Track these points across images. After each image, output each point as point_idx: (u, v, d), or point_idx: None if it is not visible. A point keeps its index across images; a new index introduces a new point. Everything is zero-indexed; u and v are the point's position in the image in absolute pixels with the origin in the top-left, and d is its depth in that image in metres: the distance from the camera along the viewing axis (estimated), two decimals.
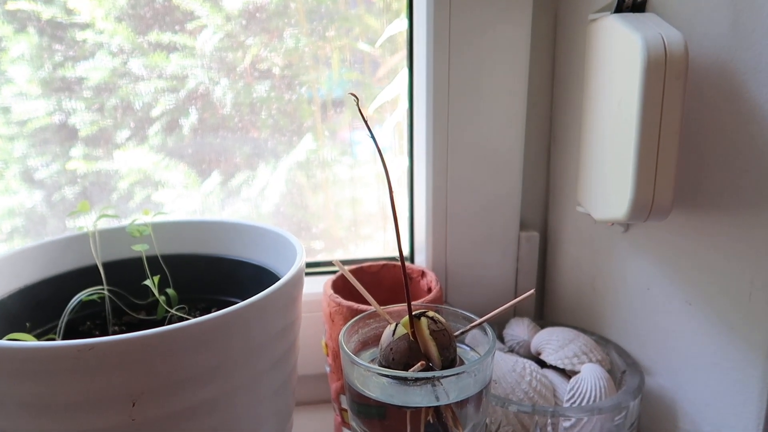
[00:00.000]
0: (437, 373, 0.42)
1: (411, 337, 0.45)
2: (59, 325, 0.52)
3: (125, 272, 0.57)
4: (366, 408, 0.45)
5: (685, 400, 0.54)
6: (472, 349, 0.49)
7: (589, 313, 0.65)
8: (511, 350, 0.62)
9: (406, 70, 0.69)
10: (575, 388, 0.52)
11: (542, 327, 0.63)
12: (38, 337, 0.51)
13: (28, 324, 0.51)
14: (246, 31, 0.73)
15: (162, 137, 0.73)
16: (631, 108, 0.43)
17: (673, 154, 0.42)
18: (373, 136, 0.46)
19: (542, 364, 0.59)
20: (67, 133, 0.72)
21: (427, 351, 0.45)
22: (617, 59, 0.46)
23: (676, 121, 0.42)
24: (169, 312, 0.55)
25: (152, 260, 0.58)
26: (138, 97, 0.72)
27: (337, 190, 0.79)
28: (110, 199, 0.74)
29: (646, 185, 0.42)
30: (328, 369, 0.60)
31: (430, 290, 0.60)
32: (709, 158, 0.47)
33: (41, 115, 0.71)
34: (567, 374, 0.57)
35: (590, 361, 0.56)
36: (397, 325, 0.46)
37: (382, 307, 0.50)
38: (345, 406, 0.59)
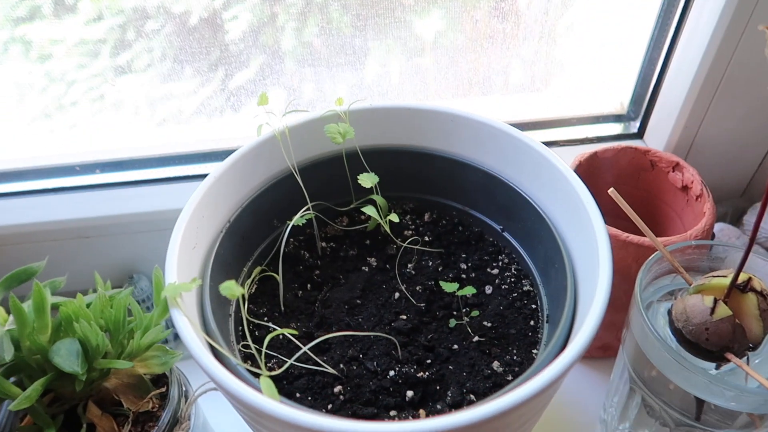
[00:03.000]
0: None
1: (735, 320, 0.37)
2: (279, 260, 0.44)
3: (319, 173, 0.47)
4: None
5: None
6: None
7: None
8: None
9: None
10: None
11: None
12: (251, 270, 0.44)
13: (244, 269, 0.43)
14: None
15: None
16: None
17: None
18: None
19: None
20: None
21: (747, 330, 0.38)
22: None
23: None
24: (380, 222, 0.46)
25: (351, 156, 0.46)
26: None
27: None
28: None
29: None
30: None
31: (686, 189, 0.49)
32: None
33: None
34: None
35: None
36: (716, 302, 0.37)
37: (663, 245, 0.41)
38: None
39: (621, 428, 0.48)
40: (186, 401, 0.44)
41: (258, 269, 0.45)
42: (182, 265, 0.36)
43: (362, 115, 0.46)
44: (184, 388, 0.45)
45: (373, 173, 0.44)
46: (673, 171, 0.50)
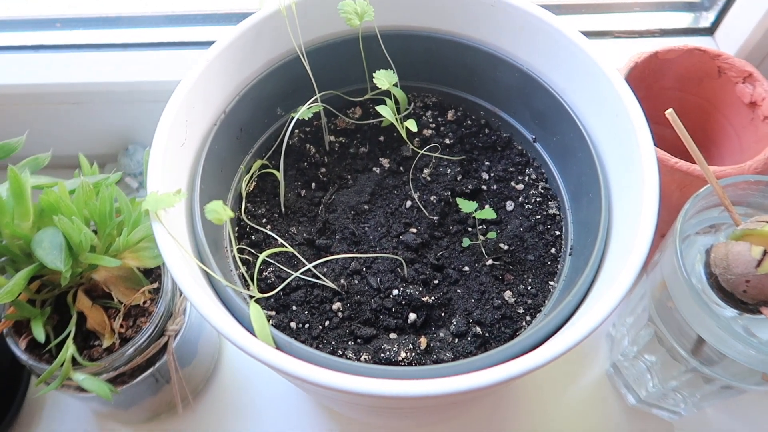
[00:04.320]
0: None
1: None
2: (281, 155, 0.40)
3: (330, 57, 0.41)
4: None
5: None
6: None
7: None
8: None
9: None
10: None
11: None
12: (249, 164, 0.40)
13: (241, 165, 0.39)
14: None
15: None
16: None
17: None
18: None
19: None
20: None
21: None
22: None
23: None
24: (397, 118, 0.41)
25: (368, 38, 0.40)
26: None
27: None
28: None
29: None
30: None
31: (753, 105, 0.42)
32: None
33: None
34: None
35: None
36: (765, 254, 0.33)
37: (716, 178, 0.36)
38: None
39: (628, 350, 0.47)
40: (181, 294, 0.42)
41: (258, 163, 0.40)
42: (168, 166, 0.32)
43: None
44: None
45: (393, 66, 0.38)
46: (743, 82, 0.43)
